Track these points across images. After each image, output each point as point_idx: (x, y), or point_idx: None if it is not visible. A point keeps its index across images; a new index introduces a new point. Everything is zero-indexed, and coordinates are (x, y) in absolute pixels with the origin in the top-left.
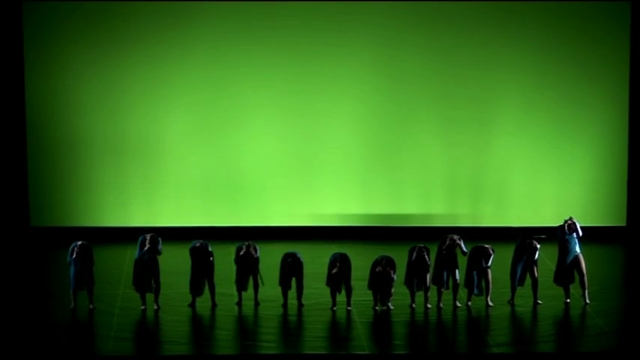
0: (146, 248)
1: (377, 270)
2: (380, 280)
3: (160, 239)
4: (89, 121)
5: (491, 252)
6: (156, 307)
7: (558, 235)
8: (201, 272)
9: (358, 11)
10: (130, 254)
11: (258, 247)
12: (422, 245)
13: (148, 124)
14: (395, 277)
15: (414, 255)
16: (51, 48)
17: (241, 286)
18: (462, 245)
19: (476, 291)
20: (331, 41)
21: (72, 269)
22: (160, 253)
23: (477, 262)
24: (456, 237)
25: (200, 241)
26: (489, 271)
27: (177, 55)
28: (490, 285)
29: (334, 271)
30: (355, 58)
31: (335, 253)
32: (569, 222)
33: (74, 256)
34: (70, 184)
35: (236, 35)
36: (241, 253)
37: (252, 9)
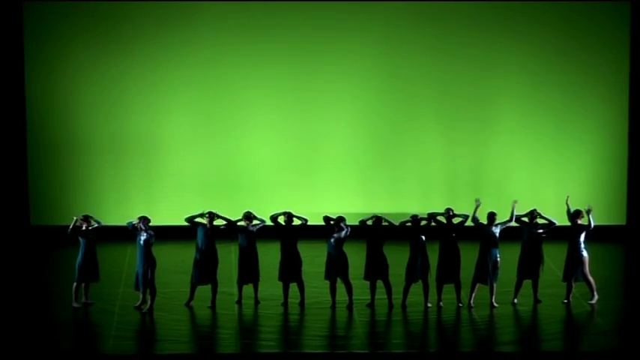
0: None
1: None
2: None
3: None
4: (89, 120)
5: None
6: (147, 308)
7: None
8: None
9: (358, 10)
10: (130, 253)
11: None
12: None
13: (148, 123)
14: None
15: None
16: (51, 48)
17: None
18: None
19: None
20: (331, 39)
21: (80, 252)
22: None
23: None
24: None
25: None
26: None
27: (176, 54)
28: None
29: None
30: (356, 57)
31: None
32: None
33: (81, 227)
34: (69, 183)
35: (235, 34)
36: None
37: (251, 8)
